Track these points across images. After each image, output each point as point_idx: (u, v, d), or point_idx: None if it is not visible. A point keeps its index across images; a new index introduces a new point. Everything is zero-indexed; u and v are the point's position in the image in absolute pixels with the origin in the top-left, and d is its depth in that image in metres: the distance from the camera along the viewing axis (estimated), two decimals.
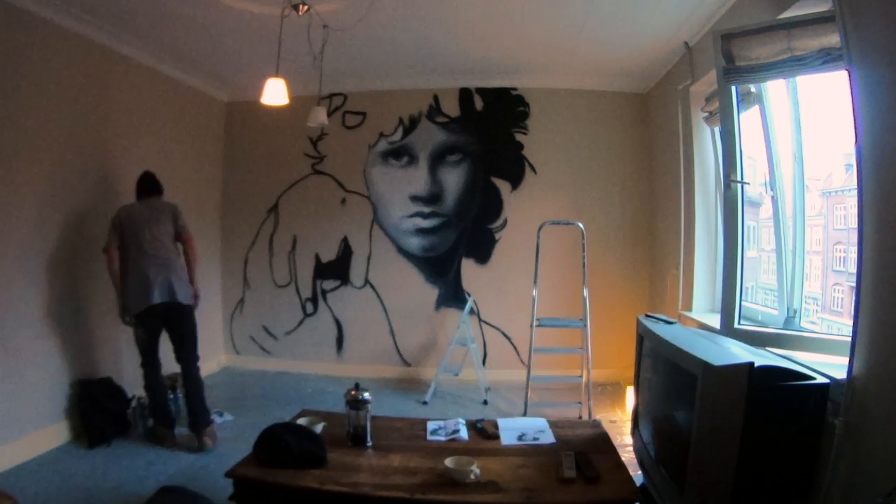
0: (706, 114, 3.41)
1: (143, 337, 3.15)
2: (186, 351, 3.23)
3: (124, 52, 3.59)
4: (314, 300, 4.79)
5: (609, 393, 4.16)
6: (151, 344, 3.19)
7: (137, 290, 3.04)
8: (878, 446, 1.49)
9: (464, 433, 2.32)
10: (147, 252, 3.07)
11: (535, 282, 3.70)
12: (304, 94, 4.05)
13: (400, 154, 4.69)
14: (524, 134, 4.60)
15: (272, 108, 3.40)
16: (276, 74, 2.95)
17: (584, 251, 3.72)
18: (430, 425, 2.41)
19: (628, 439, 2.92)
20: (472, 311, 4.41)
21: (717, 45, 2.34)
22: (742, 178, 2.46)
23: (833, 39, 1.92)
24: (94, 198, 3.42)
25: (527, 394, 3.59)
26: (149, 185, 3.30)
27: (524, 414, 3.52)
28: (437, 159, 4.65)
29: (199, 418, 3.10)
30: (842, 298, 2.55)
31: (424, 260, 4.68)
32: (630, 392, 3.38)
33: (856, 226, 1.68)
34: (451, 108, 4.64)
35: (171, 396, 3.57)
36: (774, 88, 2.67)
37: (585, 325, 3.58)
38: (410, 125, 4.68)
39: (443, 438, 2.28)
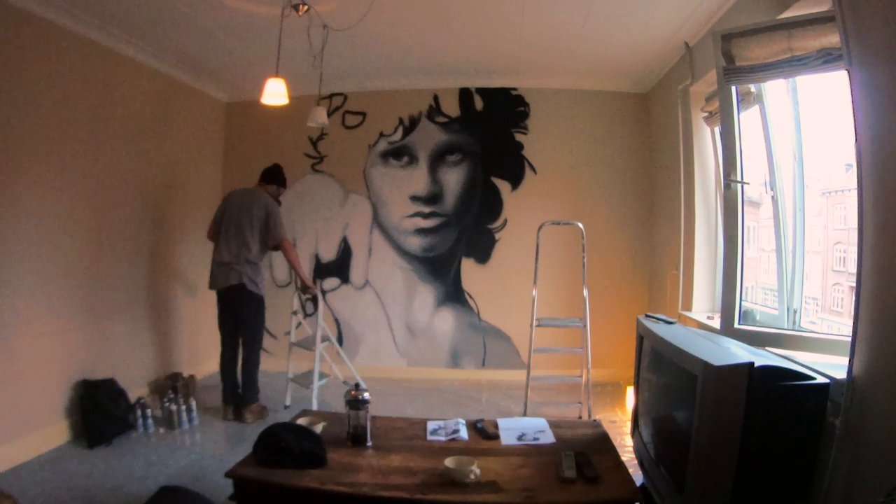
0: (706, 114, 3.41)
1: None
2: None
3: (124, 52, 3.59)
4: (314, 300, 4.78)
5: (609, 393, 4.16)
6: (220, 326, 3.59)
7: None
8: (878, 446, 1.49)
9: (464, 433, 2.32)
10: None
11: (534, 282, 3.70)
12: (304, 94, 4.05)
13: (400, 154, 4.69)
14: (524, 134, 4.60)
15: (272, 108, 3.40)
16: (276, 74, 2.94)
17: (584, 251, 3.72)
18: (430, 425, 2.41)
19: (628, 439, 2.92)
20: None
21: (717, 45, 2.34)
22: (742, 178, 2.46)
23: (833, 39, 1.92)
24: (95, 197, 3.42)
25: (527, 394, 3.59)
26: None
27: (524, 414, 3.52)
28: (437, 159, 4.65)
29: (244, 395, 3.52)
30: (842, 298, 2.55)
31: (424, 260, 4.68)
32: (630, 392, 3.38)
33: (856, 226, 1.68)
34: (451, 108, 4.64)
35: (172, 395, 3.58)
36: (774, 88, 2.67)
37: (585, 325, 3.58)
38: (410, 125, 4.68)
39: (443, 438, 2.28)
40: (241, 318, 3.52)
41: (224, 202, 3.66)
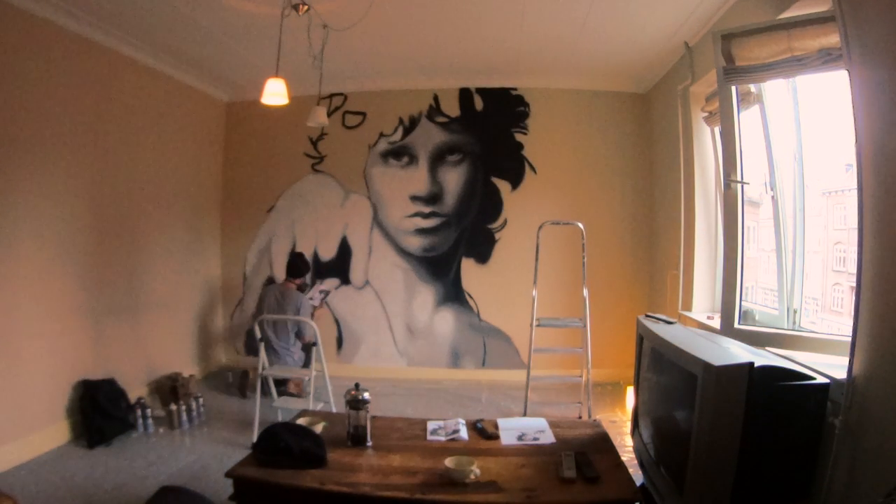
0: (706, 114, 3.41)
1: None
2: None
3: (124, 52, 3.59)
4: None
5: (609, 393, 4.16)
6: None
7: None
8: (877, 446, 1.49)
9: (464, 433, 2.32)
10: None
11: (534, 282, 3.70)
12: (304, 94, 4.05)
13: (400, 154, 4.69)
14: (524, 134, 4.60)
15: (272, 108, 3.40)
16: (276, 74, 2.94)
17: (584, 251, 3.72)
18: (430, 425, 2.41)
19: (628, 439, 2.92)
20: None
21: (717, 45, 2.34)
22: (742, 178, 2.46)
23: (833, 39, 1.92)
24: (95, 197, 3.42)
25: (527, 394, 3.59)
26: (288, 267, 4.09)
27: (524, 414, 3.52)
28: (437, 159, 4.65)
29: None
30: (842, 298, 2.55)
31: (424, 260, 4.68)
32: (630, 392, 3.38)
33: (856, 226, 1.68)
34: (451, 108, 4.64)
35: (172, 395, 3.58)
36: (774, 88, 2.67)
37: (585, 325, 3.58)
38: (410, 125, 4.68)
39: (443, 438, 2.28)
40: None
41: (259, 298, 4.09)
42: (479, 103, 4.63)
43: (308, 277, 4.35)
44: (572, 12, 3.22)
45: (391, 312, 4.71)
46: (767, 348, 2.21)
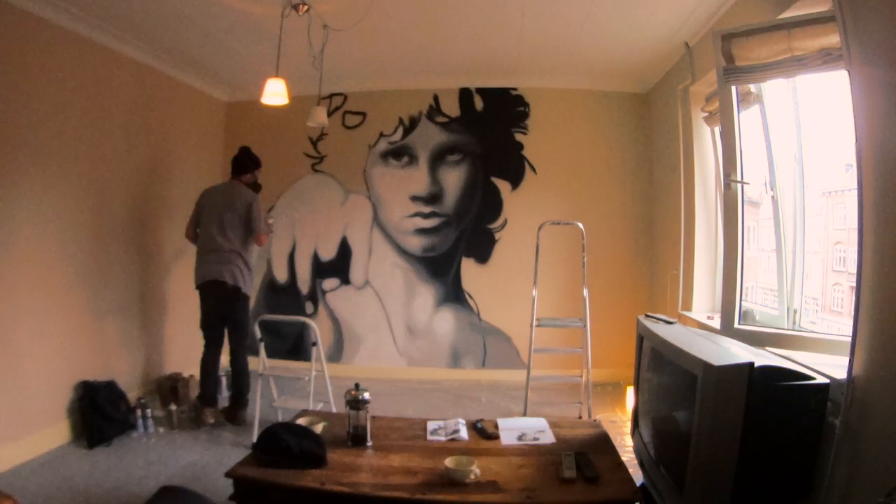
0: (706, 114, 3.41)
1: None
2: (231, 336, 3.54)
3: (124, 52, 3.59)
4: (314, 300, 4.79)
5: (609, 393, 4.16)
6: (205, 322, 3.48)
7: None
8: (878, 446, 1.49)
9: (464, 433, 2.32)
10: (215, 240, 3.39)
11: (534, 282, 3.70)
12: (304, 94, 4.05)
13: (400, 154, 4.70)
14: (524, 134, 4.60)
15: (272, 108, 3.40)
16: (276, 74, 2.95)
17: (584, 251, 3.72)
18: (430, 425, 2.41)
19: (628, 439, 2.92)
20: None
21: (717, 45, 2.34)
22: (742, 178, 2.47)
23: (833, 39, 1.92)
24: (95, 198, 3.42)
25: (527, 394, 3.59)
26: (234, 164, 3.62)
27: (524, 414, 3.52)
28: (437, 159, 4.65)
29: (243, 396, 3.49)
30: (842, 298, 2.55)
31: (424, 260, 4.68)
32: (630, 392, 3.38)
33: (856, 226, 1.68)
34: (451, 108, 4.64)
35: (172, 396, 3.58)
36: (774, 88, 2.67)
37: (585, 325, 3.58)
38: (410, 125, 4.68)
39: (443, 438, 2.28)
40: (234, 319, 3.45)
41: (200, 199, 3.58)
42: (479, 103, 4.63)
43: (258, 174, 3.70)
44: (572, 12, 3.22)
45: (391, 312, 4.71)
46: (767, 348, 2.21)
